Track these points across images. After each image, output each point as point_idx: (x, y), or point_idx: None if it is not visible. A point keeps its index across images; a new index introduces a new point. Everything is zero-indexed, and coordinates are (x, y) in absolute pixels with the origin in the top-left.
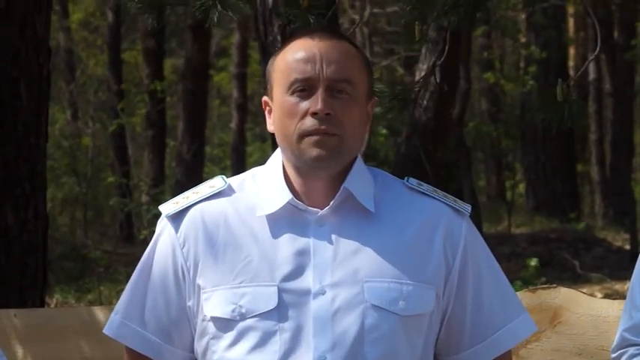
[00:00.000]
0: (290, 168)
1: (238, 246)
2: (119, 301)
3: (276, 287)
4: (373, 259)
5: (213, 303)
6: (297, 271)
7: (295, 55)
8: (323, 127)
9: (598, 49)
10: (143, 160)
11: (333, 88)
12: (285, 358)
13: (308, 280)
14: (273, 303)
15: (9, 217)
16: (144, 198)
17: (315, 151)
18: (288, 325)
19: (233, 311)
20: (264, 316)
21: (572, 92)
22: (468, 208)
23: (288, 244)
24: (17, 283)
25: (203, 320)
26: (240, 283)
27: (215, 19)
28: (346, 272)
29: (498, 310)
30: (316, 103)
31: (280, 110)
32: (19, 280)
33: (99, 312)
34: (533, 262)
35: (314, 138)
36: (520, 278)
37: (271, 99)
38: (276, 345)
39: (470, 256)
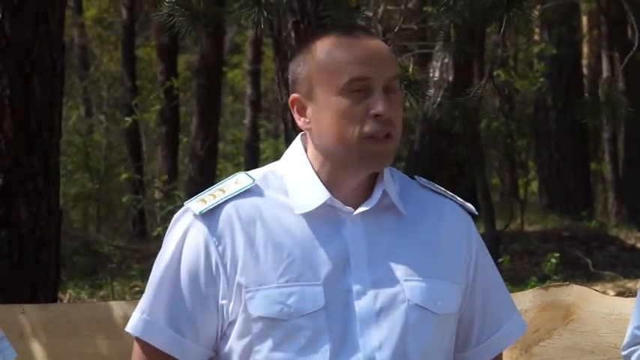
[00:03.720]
0: (326, 165)
1: (278, 244)
2: (142, 301)
3: (321, 286)
4: (409, 258)
5: (259, 302)
6: (338, 271)
7: (345, 55)
8: (386, 130)
9: (635, 47)
10: (156, 156)
11: (387, 88)
12: (335, 358)
13: (348, 280)
14: (321, 303)
15: (22, 213)
16: (157, 194)
17: (377, 154)
18: (335, 325)
19: (280, 311)
20: (313, 315)
21: (613, 91)
22: (473, 209)
23: (325, 243)
24: (30, 278)
25: (246, 320)
26: (287, 282)
27: (262, 25)
28: (384, 271)
29: (500, 310)
30: (378, 104)
31: (333, 112)
32: (32, 275)
33: (112, 307)
34: (554, 258)
35: (378, 143)
36: (538, 274)
37: (310, 98)
38: (327, 345)
39: (479, 256)
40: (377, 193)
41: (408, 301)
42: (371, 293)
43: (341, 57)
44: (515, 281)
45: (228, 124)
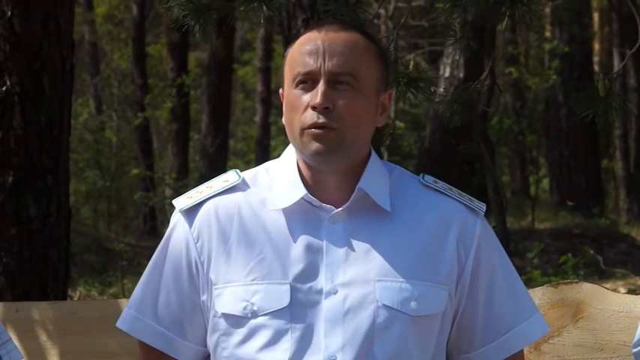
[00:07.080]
0: (301, 163)
1: (251, 242)
2: (132, 296)
3: (288, 285)
4: (386, 259)
5: (225, 299)
6: (310, 270)
7: (301, 49)
8: (321, 120)
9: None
10: (167, 154)
11: (334, 80)
12: (295, 357)
13: (320, 280)
14: (285, 301)
15: (31, 210)
16: (167, 191)
17: (314, 145)
18: (299, 324)
19: (245, 308)
20: (276, 314)
21: (615, 87)
22: (483, 207)
23: (300, 242)
24: (39, 276)
25: (214, 316)
26: (253, 280)
27: (261, 21)
28: (358, 272)
29: (510, 311)
30: (316, 96)
31: (286, 104)
32: (42, 272)
33: (122, 305)
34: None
35: (313, 132)
36: (548, 272)
37: (283, 92)
38: (287, 344)
39: (483, 255)
40: (355, 194)
41: (377, 301)
42: (342, 293)
43: (297, 52)
44: (526, 278)
45: (239, 122)
